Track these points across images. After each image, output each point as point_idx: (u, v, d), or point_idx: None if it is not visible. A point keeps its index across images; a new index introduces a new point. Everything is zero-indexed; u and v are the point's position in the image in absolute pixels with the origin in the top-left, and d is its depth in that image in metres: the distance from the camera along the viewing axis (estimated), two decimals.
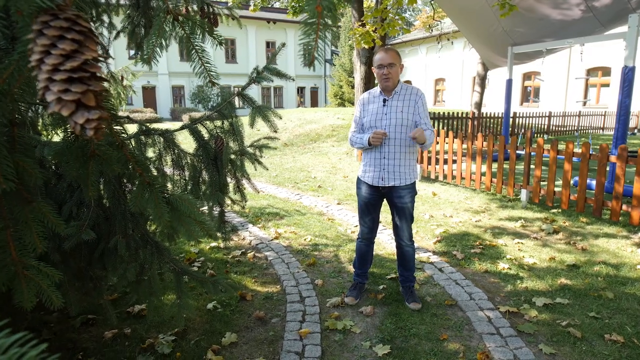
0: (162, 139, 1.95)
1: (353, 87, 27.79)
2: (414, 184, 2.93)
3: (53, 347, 2.47)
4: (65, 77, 0.57)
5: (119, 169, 0.90)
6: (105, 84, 0.64)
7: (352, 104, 27.12)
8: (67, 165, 0.87)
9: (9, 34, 0.83)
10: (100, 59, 0.62)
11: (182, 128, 1.84)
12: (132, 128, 2.01)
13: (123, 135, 0.91)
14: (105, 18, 2.91)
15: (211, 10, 2.33)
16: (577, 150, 9.92)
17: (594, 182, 5.52)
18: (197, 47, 0.86)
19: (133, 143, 1.80)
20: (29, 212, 0.86)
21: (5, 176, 0.76)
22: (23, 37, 0.60)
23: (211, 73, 0.92)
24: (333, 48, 35.37)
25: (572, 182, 6.11)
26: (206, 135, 1.91)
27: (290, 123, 13.89)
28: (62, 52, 0.56)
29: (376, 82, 2.94)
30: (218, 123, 1.89)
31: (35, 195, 0.89)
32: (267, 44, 32.03)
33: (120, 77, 4.72)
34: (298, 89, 34.03)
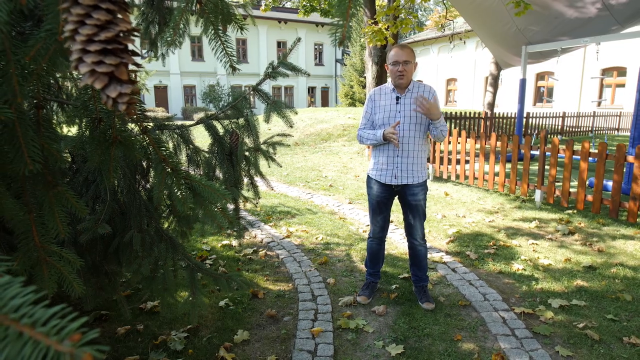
0: (176, 135, 1.95)
1: (364, 87, 27.73)
2: (425, 181, 2.90)
3: None
4: (100, 48, 0.56)
5: (140, 155, 0.89)
6: (138, 59, 0.63)
7: (363, 103, 27.05)
8: (90, 152, 0.86)
9: (36, 13, 0.83)
10: (135, 33, 0.61)
11: (197, 123, 1.83)
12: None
13: (145, 122, 0.90)
14: None
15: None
16: (593, 150, 9.77)
17: (610, 183, 5.43)
18: (219, 30, 0.85)
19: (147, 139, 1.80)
20: (53, 197, 0.86)
21: (32, 157, 0.75)
22: (52, 12, 0.60)
23: (232, 58, 0.91)
24: (344, 48, 35.30)
25: (587, 182, 6.00)
26: (221, 131, 1.91)
27: (301, 122, 13.89)
28: (96, 23, 0.55)
29: (388, 77, 2.90)
30: (233, 119, 1.89)
31: (59, 179, 0.89)
32: (278, 43, 32.12)
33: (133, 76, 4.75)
34: (309, 89, 34.05)
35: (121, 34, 0.59)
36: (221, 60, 0.90)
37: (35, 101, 0.83)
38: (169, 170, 0.86)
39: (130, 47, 0.61)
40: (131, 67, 0.64)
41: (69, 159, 1.87)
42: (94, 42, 0.56)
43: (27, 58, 0.67)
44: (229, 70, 0.94)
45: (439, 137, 2.79)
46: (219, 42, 0.86)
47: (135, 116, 0.81)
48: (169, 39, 0.77)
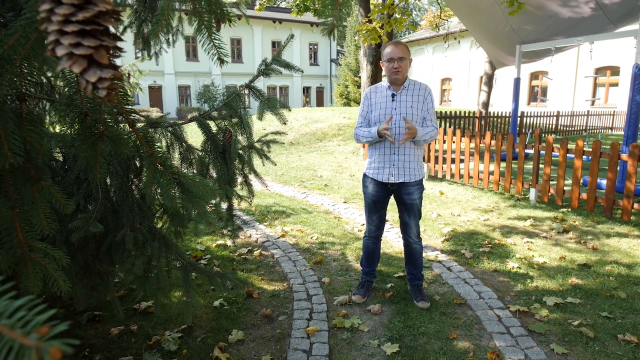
0: (169, 133, 1.93)
1: (359, 86, 27.73)
2: (422, 180, 2.90)
3: None
4: (77, 29, 0.53)
5: (128, 150, 0.87)
6: (120, 44, 0.61)
7: (358, 103, 27.06)
8: (77, 148, 0.84)
9: (19, 2, 0.81)
10: (116, 15, 0.59)
11: (190, 120, 1.81)
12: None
13: (133, 116, 0.88)
14: None
15: None
16: (587, 149, 9.81)
17: (603, 181, 5.46)
18: (206, 23, 0.83)
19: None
20: (36, 192, 0.84)
21: (12, 150, 0.73)
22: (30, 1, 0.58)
23: (220, 50, 0.89)
24: (339, 48, 35.35)
25: (581, 180, 6.03)
26: (214, 129, 1.89)
27: (296, 122, 13.87)
28: (73, 2, 0.53)
29: (383, 76, 2.92)
30: (227, 117, 1.87)
31: (43, 174, 0.87)
32: (273, 43, 32.04)
33: (126, 75, 4.71)
34: (304, 89, 34.00)
35: (101, 15, 0.57)
36: (209, 53, 0.89)
37: (18, 94, 0.81)
38: (158, 167, 0.84)
39: (112, 30, 0.59)
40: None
41: (61, 159, 1.84)
42: (71, 22, 0.54)
43: (6, 47, 0.65)
44: (217, 63, 0.92)
45: (429, 142, 2.85)
46: (207, 34, 0.84)
47: (120, 105, 0.79)
48: (153, 28, 0.75)
